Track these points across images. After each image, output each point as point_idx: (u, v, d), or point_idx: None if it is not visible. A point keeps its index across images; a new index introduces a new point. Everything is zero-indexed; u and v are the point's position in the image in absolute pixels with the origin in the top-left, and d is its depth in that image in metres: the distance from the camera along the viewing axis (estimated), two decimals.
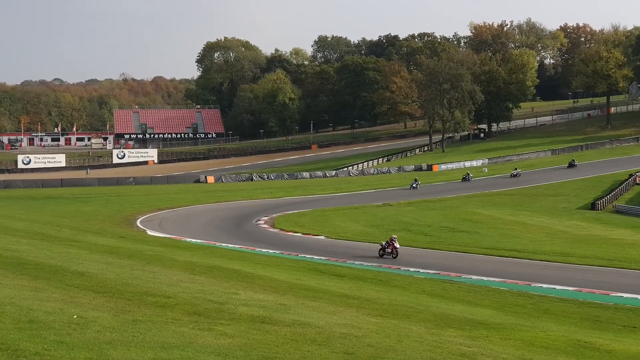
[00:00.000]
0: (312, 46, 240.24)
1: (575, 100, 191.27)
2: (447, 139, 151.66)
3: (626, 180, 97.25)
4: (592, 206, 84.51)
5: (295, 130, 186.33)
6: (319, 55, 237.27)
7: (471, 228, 66.58)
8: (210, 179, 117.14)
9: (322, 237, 58.11)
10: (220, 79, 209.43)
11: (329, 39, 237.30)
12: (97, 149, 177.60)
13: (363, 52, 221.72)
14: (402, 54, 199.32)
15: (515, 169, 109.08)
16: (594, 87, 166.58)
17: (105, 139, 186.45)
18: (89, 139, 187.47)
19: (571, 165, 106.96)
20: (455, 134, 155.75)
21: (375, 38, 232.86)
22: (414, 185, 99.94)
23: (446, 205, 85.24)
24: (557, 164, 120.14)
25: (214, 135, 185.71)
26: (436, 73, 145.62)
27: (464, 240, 58.73)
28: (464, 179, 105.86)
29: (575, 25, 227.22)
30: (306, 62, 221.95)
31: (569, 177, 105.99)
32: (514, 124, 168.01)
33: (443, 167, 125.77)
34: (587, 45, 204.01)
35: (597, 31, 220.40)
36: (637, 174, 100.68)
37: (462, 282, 36.63)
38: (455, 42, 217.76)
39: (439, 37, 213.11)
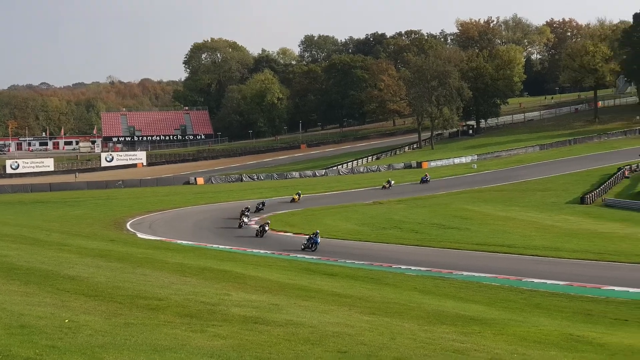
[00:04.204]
0: (299, 46, 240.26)
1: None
2: (436, 136, 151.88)
3: (615, 174, 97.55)
4: (582, 200, 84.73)
5: (284, 130, 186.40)
6: (307, 54, 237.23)
7: (461, 224, 66.66)
8: (200, 181, 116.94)
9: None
10: (208, 80, 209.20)
11: (316, 38, 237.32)
12: (86, 152, 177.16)
13: (350, 50, 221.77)
14: (389, 52, 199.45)
15: (426, 174, 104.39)
16: (581, 81, 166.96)
17: (93, 142, 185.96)
18: (77, 143, 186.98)
19: (423, 181, 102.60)
20: (444, 131, 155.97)
21: (363, 36, 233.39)
22: (424, 179, 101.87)
23: (436, 203, 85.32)
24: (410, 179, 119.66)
25: (203, 136, 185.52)
26: (424, 70, 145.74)
27: (455, 237, 58.79)
28: (422, 181, 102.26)
29: (561, 20, 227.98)
30: (294, 62, 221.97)
31: (558, 172, 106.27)
32: (502, 120, 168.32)
33: (432, 164, 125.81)
34: (574, 40, 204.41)
35: (583, 26, 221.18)
36: (625, 167, 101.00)
37: (454, 278, 36.69)
38: (442, 39, 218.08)
39: (425, 34, 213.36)
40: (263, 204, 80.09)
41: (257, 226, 62.84)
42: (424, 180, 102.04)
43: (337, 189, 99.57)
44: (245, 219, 67.31)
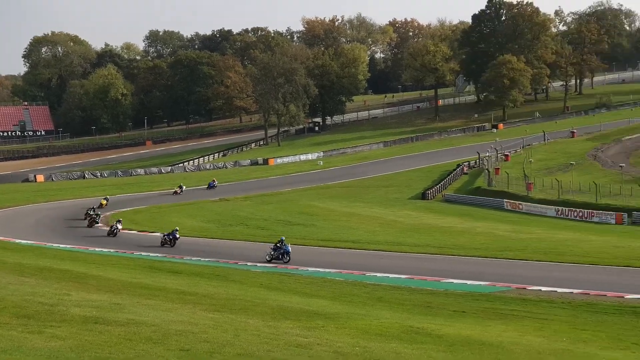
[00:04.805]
0: (144, 41, 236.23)
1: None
2: (282, 133, 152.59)
3: (454, 170, 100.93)
4: (423, 196, 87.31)
5: (129, 126, 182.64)
6: (152, 50, 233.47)
7: (308, 221, 67.34)
8: (40, 178, 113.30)
9: (158, 234, 57.32)
10: (49, 74, 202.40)
11: (161, 33, 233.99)
12: None
13: (197, 46, 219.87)
14: (236, 49, 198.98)
15: (214, 180, 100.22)
16: (422, 80, 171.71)
17: None
18: None
19: (211, 186, 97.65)
20: (291, 128, 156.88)
21: (209, 32, 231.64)
22: (212, 184, 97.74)
23: (283, 199, 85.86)
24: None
25: (43, 132, 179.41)
26: (270, 67, 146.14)
27: (301, 233, 59.31)
28: (210, 186, 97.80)
29: (403, 20, 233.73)
30: (138, 57, 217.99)
31: (401, 168, 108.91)
32: (347, 117, 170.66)
33: (279, 160, 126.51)
34: (415, 40, 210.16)
35: (425, 26, 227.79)
36: (464, 164, 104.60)
37: (299, 274, 37.00)
38: (288, 37, 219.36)
39: (272, 31, 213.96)
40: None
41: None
42: (211, 186, 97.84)
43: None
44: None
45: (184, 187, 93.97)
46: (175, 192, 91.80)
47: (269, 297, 24.76)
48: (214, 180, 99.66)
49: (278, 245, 44.47)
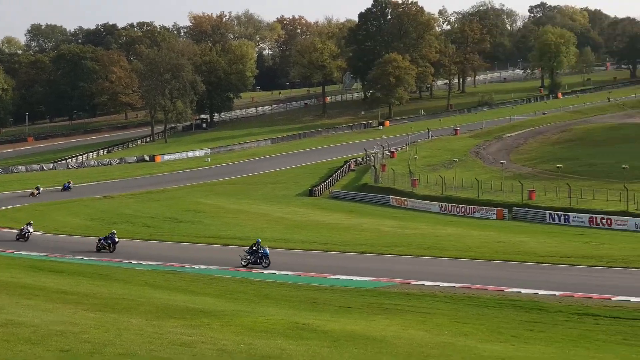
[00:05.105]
0: (25, 35, 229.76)
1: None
2: (169, 130, 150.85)
3: (342, 167, 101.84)
4: (310, 193, 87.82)
5: (10, 122, 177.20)
6: (34, 44, 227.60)
7: (195, 218, 66.85)
8: None
9: (40, 233, 55.88)
10: None
11: (44, 27, 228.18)
12: None
13: (80, 41, 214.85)
14: (121, 44, 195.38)
15: (69, 182, 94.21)
16: (310, 77, 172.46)
17: None
18: None
19: (65, 188, 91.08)
20: (178, 125, 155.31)
21: (93, 27, 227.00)
22: (66, 186, 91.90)
23: (170, 196, 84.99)
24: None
25: None
26: (157, 63, 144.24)
27: (188, 231, 58.89)
28: (64, 188, 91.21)
29: (291, 18, 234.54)
30: (19, 52, 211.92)
31: (289, 165, 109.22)
32: (236, 113, 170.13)
33: (166, 157, 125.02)
34: (303, 37, 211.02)
35: (312, 23, 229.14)
36: (351, 160, 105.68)
37: (185, 272, 36.72)
38: (175, 32, 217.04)
39: (158, 26, 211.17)
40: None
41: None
42: (65, 188, 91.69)
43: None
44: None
45: (41, 188, 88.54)
46: (32, 194, 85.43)
47: (154, 296, 24.49)
48: (69, 182, 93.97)
49: (254, 248, 40.98)
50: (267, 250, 40.53)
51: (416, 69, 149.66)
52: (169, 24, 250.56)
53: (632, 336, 22.22)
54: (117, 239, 46.65)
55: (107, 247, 46.32)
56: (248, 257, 40.53)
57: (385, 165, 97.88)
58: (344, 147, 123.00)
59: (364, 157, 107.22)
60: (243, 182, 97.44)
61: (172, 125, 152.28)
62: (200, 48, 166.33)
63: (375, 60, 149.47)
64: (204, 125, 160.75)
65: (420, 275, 35.93)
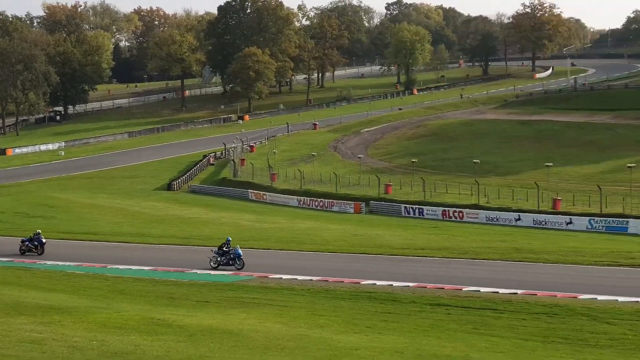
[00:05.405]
0: None
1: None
2: (21, 122, 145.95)
3: (201, 161, 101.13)
4: (169, 187, 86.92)
5: None
6: None
7: (47, 213, 65.03)
8: None
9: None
10: None
11: None
12: None
13: None
14: None
15: None
16: (169, 70, 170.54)
17: None
18: None
19: None
20: (30, 117, 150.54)
21: None
22: None
23: (21, 191, 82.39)
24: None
25: None
26: (8, 53, 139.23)
27: (40, 226, 56.90)
28: None
29: (149, 9, 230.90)
30: None
31: (147, 159, 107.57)
32: (91, 106, 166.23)
33: (18, 150, 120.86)
34: (161, 29, 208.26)
35: (171, 15, 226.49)
36: (210, 154, 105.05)
37: (37, 268, 35.76)
38: (28, 22, 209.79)
39: (10, 16, 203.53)
40: None
41: None
42: None
43: None
44: None
45: None
46: None
47: (4, 293, 23.72)
48: None
49: (225, 249, 38.09)
50: (240, 251, 37.74)
51: (276, 64, 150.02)
52: (21, 13, 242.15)
53: (482, 325, 23.08)
54: (44, 240, 43.12)
55: (35, 249, 42.64)
56: (218, 259, 37.74)
57: (244, 159, 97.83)
58: (203, 141, 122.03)
59: (223, 151, 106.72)
60: (99, 176, 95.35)
61: (24, 117, 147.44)
62: (54, 38, 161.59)
63: (235, 54, 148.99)
64: (58, 117, 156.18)
65: (278, 269, 36.15)
